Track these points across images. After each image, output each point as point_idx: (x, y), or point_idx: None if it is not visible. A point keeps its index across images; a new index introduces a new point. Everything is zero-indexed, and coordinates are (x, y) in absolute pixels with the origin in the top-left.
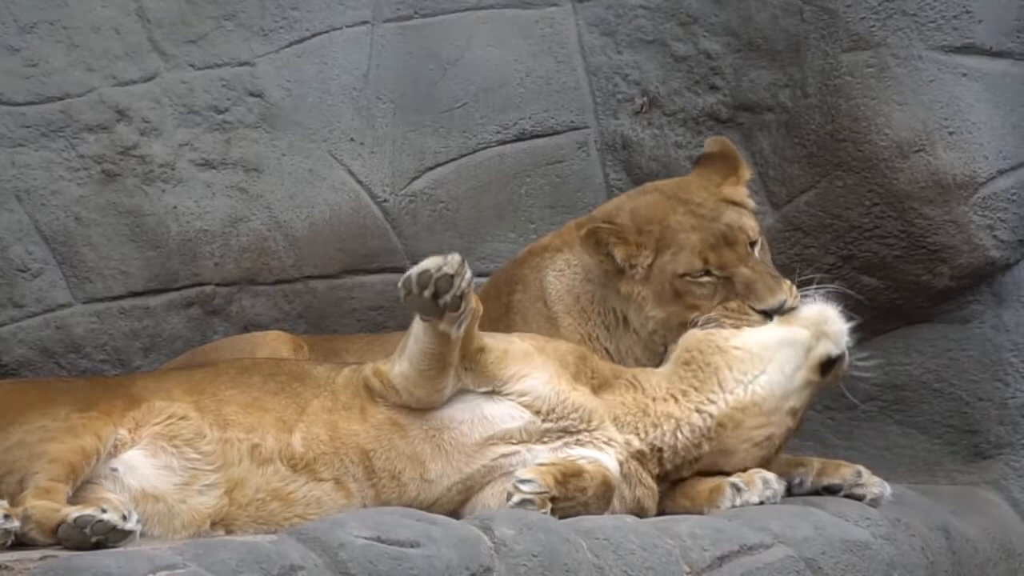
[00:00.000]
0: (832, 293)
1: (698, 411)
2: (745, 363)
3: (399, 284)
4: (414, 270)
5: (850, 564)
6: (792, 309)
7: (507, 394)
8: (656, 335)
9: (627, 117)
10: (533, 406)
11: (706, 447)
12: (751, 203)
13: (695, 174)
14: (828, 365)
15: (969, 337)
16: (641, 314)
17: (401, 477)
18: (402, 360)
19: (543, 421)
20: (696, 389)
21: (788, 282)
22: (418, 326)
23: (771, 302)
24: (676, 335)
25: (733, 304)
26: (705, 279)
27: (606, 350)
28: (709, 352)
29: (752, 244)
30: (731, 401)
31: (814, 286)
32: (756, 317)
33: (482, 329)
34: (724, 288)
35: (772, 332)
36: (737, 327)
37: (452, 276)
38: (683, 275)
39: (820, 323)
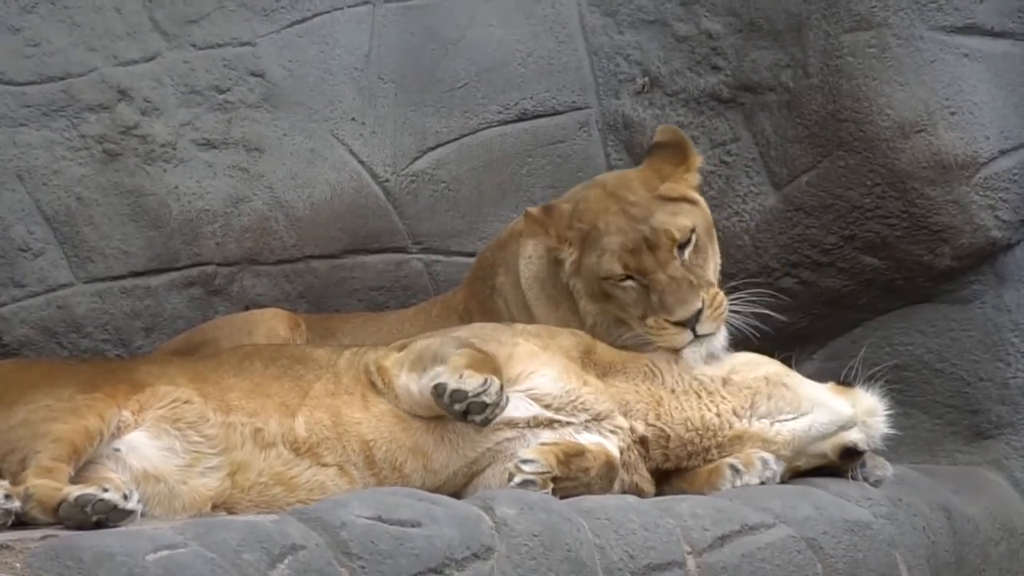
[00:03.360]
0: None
1: (718, 415)
2: (784, 401)
3: (432, 384)
4: (451, 384)
5: (851, 544)
6: (709, 317)
7: (515, 391)
8: (597, 328)
9: (629, 97)
10: (542, 400)
11: (714, 452)
12: (696, 196)
13: (645, 165)
14: (849, 454)
15: (970, 317)
16: (579, 304)
17: (403, 469)
18: (411, 378)
19: (554, 413)
20: (725, 399)
21: (714, 289)
22: (432, 396)
23: (681, 314)
24: (617, 330)
25: (651, 321)
26: (627, 283)
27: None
28: (753, 376)
29: (682, 246)
30: (755, 425)
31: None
32: (674, 329)
33: (471, 309)
34: (645, 295)
35: (822, 391)
36: (662, 343)
37: (487, 404)
38: (605, 278)
39: (868, 413)
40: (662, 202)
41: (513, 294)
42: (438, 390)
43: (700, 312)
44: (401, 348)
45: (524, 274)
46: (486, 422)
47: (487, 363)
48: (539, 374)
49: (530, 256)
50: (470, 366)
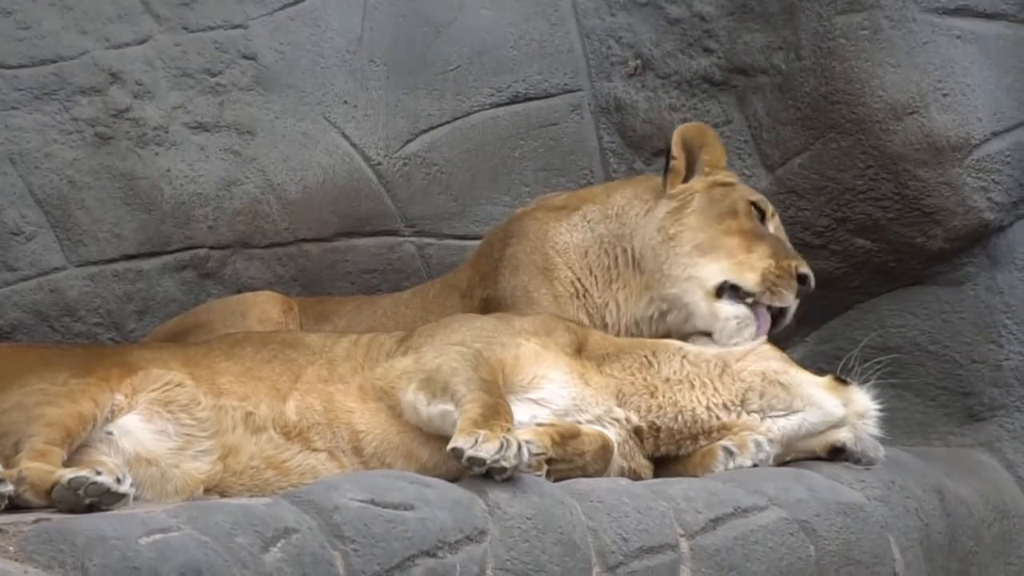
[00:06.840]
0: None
1: (708, 408)
2: (776, 399)
3: (449, 446)
4: (468, 451)
5: (844, 526)
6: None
7: (526, 398)
8: (661, 248)
9: (621, 80)
10: (550, 407)
11: (703, 441)
12: None
13: None
14: (837, 451)
15: (963, 299)
16: (674, 217)
17: (392, 467)
18: (419, 398)
19: (560, 417)
20: (717, 391)
21: None
22: (452, 455)
23: (810, 273)
24: (682, 263)
25: (785, 263)
26: (760, 223)
27: (595, 304)
28: (750, 370)
29: None
30: (745, 418)
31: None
32: (795, 283)
33: (474, 284)
34: (773, 242)
35: (817, 388)
36: (782, 289)
37: (506, 468)
38: (753, 202)
39: (860, 414)
40: None
41: (527, 260)
42: (456, 453)
43: (812, 285)
44: (405, 351)
45: (564, 239)
46: (507, 480)
47: (498, 408)
48: (548, 379)
49: (576, 225)
50: (484, 417)
